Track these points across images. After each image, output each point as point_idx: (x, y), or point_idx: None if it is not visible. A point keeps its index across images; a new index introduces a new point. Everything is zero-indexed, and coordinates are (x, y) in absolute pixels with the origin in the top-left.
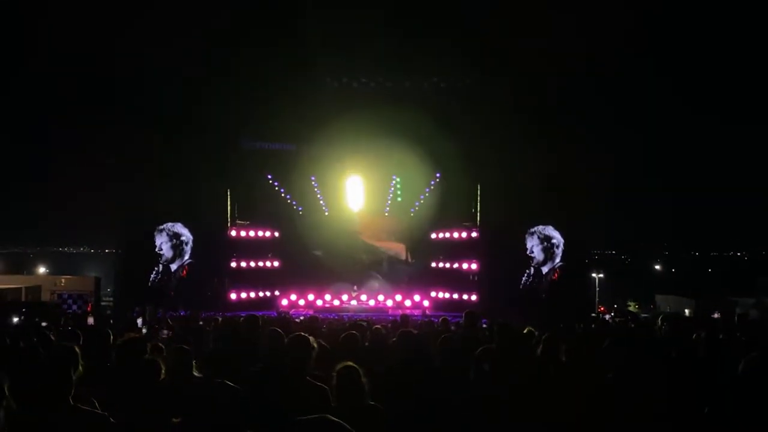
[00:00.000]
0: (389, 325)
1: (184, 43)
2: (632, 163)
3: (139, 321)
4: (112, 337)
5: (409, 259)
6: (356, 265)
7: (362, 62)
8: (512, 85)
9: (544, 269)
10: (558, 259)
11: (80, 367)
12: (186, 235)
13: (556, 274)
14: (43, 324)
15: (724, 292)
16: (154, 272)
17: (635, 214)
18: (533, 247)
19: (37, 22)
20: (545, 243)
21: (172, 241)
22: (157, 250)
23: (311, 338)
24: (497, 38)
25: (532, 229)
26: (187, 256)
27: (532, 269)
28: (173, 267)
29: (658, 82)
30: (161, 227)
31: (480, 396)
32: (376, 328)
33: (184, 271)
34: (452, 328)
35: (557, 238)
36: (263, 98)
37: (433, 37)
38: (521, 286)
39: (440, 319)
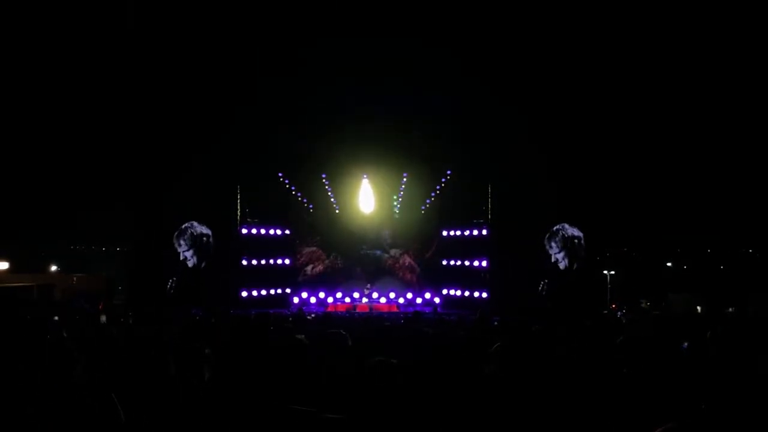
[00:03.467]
0: (401, 321)
1: (190, 42)
2: (641, 160)
3: (150, 319)
4: (122, 333)
5: (421, 257)
6: (368, 263)
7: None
8: (521, 85)
9: (561, 266)
10: (580, 258)
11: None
12: (207, 233)
13: (569, 273)
14: (55, 318)
15: (736, 289)
16: (165, 271)
17: (647, 211)
18: (553, 247)
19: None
20: (568, 245)
21: (191, 242)
22: (179, 251)
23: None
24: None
25: (555, 228)
26: (205, 256)
27: (552, 268)
28: (188, 265)
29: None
30: (185, 226)
31: (493, 393)
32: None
33: (197, 270)
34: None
35: (579, 236)
36: (273, 94)
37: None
38: (539, 288)
39: (458, 317)
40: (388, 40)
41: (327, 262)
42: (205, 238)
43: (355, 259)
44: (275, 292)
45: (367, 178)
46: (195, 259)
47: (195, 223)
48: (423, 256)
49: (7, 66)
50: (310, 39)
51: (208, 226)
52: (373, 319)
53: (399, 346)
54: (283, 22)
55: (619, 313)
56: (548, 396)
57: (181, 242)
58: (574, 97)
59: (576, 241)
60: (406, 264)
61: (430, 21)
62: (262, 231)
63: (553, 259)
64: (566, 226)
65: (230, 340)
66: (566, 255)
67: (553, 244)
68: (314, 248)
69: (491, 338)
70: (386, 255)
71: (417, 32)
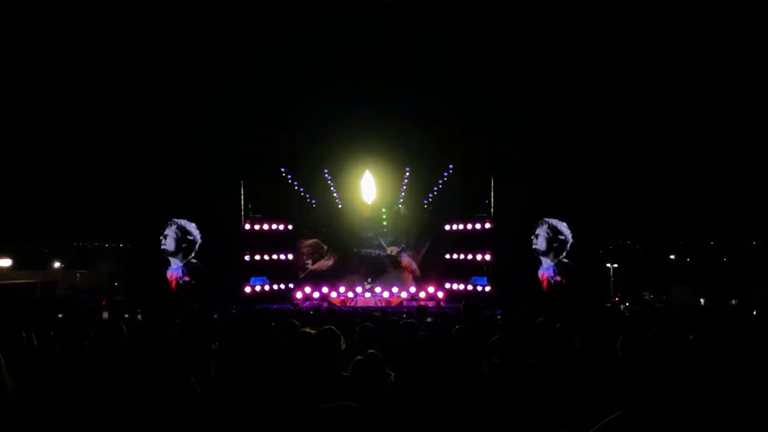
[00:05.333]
0: (404, 316)
1: (190, 39)
2: (644, 152)
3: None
4: (124, 330)
5: (420, 254)
6: (369, 262)
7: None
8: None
9: (547, 261)
10: (563, 256)
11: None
12: (195, 234)
13: (565, 267)
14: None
15: (739, 281)
16: (166, 267)
17: (650, 204)
18: (540, 235)
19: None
20: (550, 234)
21: (176, 234)
22: (162, 241)
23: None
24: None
25: (546, 219)
26: (192, 255)
27: (537, 258)
28: (178, 262)
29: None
30: (174, 221)
31: (491, 388)
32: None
33: (192, 268)
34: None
35: (566, 235)
36: (274, 90)
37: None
38: (534, 277)
39: (455, 310)
40: (389, 35)
41: (329, 256)
42: (190, 236)
43: (356, 257)
44: (278, 287)
45: (369, 172)
46: (173, 247)
47: (182, 221)
48: (421, 253)
49: (6, 65)
50: (311, 35)
51: (210, 222)
52: (375, 313)
53: (398, 341)
54: (285, 18)
55: (621, 306)
56: (549, 389)
57: (167, 228)
58: (576, 90)
59: (561, 237)
60: (405, 263)
61: (430, 16)
62: (265, 226)
63: (533, 238)
64: (562, 224)
65: (232, 337)
66: (546, 240)
67: (539, 231)
68: (315, 240)
69: (488, 330)
70: (385, 254)
71: (418, 27)
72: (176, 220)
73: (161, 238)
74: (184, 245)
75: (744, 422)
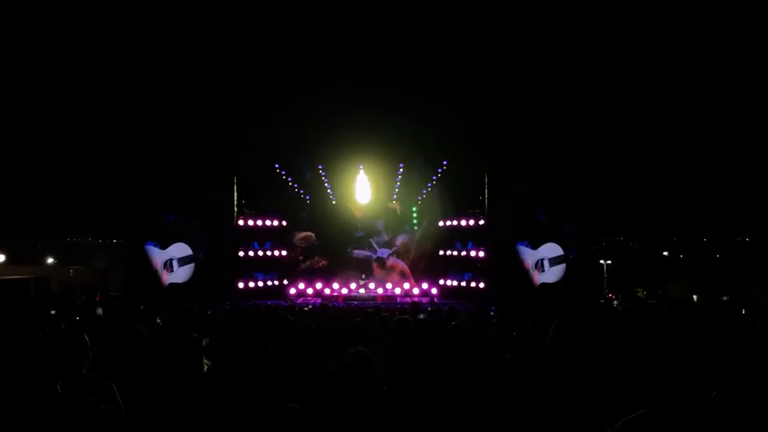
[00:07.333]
0: (397, 313)
1: (185, 31)
2: (637, 148)
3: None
4: (119, 326)
5: (416, 247)
6: (361, 263)
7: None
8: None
9: (547, 254)
10: (559, 252)
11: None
12: (192, 231)
13: (561, 263)
14: (52, 312)
15: (733, 277)
16: (160, 264)
17: (643, 200)
18: (540, 228)
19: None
20: (549, 230)
21: (174, 230)
22: (160, 236)
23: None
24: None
25: (546, 215)
26: (189, 251)
27: (538, 255)
28: (176, 258)
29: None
30: (172, 215)
31: (490, 383)
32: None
33: (187, 264)
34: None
35: (566, 231)
36: (269, 86)
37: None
38: (527, 273)
39: (449, 307)
40: (385, 32)
41: (322, 253)
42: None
43: (349, 257)
44: (272, 283)
45: (363, 169)
46: (172, 244)
47: (187, 220)
48: (414, 250)
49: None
50: (305, 31)
51: (204, 218)
52: (369, 310)
53: (394, 337)
54: (280, 14)
55: (615, 302)
56: (548, 386)
57: (164, 224)
58: (570, 86)
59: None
60: (399, 266)
61: (427, 14)
62: (259, 222)
63: (533, 237)
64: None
65: (230, 332)
66: (545, 242)
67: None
68: (309, 233)
69: (489, 327)
70: (375, 255)
71: (416, 25)
72: (174, 214)
73: (160, 232)
74: (180, 241)
75: (742, 419)
